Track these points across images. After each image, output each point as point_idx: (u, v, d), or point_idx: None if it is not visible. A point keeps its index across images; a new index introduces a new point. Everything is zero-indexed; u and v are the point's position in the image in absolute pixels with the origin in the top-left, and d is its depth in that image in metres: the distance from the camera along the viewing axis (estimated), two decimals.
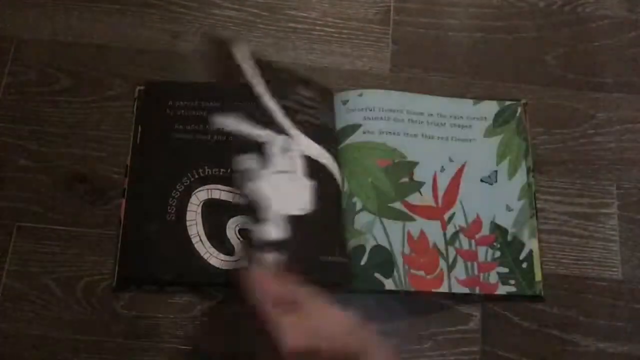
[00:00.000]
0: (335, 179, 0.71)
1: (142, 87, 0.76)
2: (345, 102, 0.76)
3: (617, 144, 0.77)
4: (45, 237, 0.70)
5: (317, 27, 0.81)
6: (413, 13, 0.83)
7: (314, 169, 0.69)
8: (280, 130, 0.68)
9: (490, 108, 0.78)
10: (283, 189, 0.66)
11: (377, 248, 0.70)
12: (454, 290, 0.70)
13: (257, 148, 0.64)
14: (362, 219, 0.71)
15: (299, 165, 0.68)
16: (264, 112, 0.67)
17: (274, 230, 0.61)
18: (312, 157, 0.70)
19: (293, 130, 0.69)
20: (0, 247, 0.70)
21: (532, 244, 0.72)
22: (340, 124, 0.75)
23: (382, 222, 0.71)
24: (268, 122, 0.67)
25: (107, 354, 0.67)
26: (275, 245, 0.61)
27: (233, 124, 0.64)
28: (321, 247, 0.68)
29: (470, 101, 0.78)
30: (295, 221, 0.65)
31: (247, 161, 0.62)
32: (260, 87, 0.67)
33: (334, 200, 0.71)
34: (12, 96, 0.76)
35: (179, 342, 0.68)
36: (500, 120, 0.77)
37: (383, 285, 0.69)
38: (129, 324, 0.68)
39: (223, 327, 0.69)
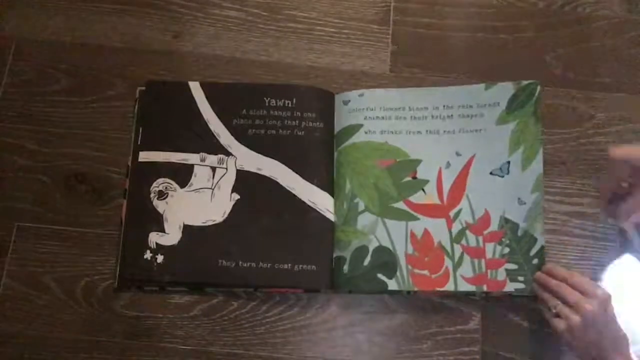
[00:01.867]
0: (286, 190, 0.72)
1: (142, 88, 0.76)
2: (346, 103, 0.75)
3: (617, 144, 0.77)
4: (45, 237, 0.71)
5: (317, 27, 0.81)
6: (413, 13, 0.83)
7: (249, 182, 0.72)
8: (217, 150, 0.73)
9: (504, 91, 0.74)
10: (195, 204, 0.71)
11: (380, 249, 0.70)
12: (459, 289, 0.69)
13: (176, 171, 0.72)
14: (364, 220, 0.71)
15: (227, 182, 0.72)
16: (204, 136, 0.73)
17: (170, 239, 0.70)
18: (252, 171, 0.72)
19: (237, 148, 0.73)
20: (0, 247, 0.70)
21: (544, 240, 0.70)
22: (341, 124, 0.75)
23: (384, 223, 0.71)
24: (205, 144, 0.73)
25: (107, 354, 0.67)
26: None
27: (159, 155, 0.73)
28: (278, 257, 0.69)
29: (482, 85, 0.75)
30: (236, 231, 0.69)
31: (161, 184, 0.71)
32: (208, 113, 0.73)
33: (285, 210, 0.71)
34: (12, 96, 0.76)
35: (179, 342, 0.68)
36: (515, 105, 0.73)
37: (386, 285, 0.69)
38: (129, 324, 0.68)
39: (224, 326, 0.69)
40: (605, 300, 0.62)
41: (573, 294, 0.63)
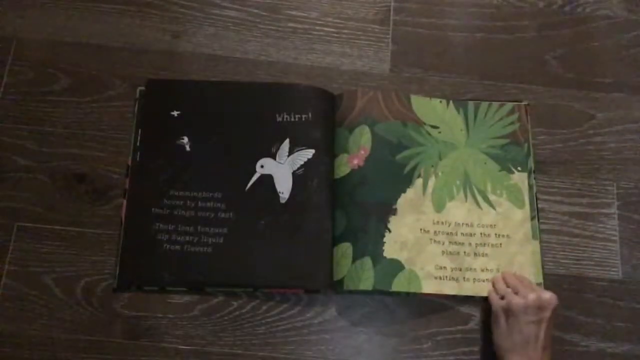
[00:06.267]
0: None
1: (142, 88, 0.76)
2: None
3: (617, 144, 0.77)
4: (45, 237, 0.71)
5: (317, 27, 0.81)
6: (413, 13, 0.83)
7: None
8: None
9: None
10: None
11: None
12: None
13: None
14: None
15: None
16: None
17: None
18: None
19: None
20: (0, 247, 0.70)
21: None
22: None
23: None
24: None
25: (107, 354, 0.67)
26: None
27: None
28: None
29: None
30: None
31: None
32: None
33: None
34: (12, 96, 0.76)
35: (179, 342, 0.68)
36: None
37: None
38: (129, 324, 0.68)
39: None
40: (537, 304, 0.63)
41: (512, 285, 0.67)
